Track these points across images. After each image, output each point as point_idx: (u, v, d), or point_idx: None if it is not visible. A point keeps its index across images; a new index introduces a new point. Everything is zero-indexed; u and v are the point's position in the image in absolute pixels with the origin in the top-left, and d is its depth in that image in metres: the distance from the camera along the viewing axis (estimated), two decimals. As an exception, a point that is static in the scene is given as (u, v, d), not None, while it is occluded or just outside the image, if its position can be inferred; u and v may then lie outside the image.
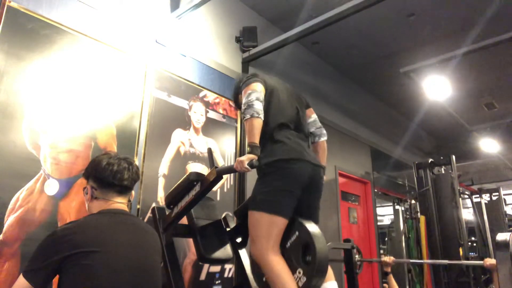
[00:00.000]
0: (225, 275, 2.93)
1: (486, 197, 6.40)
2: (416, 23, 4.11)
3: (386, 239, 6.73)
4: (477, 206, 5.76)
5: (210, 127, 3.11)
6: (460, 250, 4.38)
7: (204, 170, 2.90)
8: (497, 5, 3.65)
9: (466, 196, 5.76)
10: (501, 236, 1.92)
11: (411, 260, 4.66)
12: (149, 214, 2.51)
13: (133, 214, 2.19)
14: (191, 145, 2.93)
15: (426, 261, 4.33)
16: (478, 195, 6.22)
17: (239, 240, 2.24)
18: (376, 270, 4.86)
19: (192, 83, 3.07)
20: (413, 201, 5.23)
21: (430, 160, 5.00)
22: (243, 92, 1.91)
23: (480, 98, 5.79)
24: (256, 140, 1.79)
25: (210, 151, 2.10)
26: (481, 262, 2.68)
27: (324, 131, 2.27)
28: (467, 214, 6.03)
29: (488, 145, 7.12)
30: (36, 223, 1.99)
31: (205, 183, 1.91)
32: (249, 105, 1.82)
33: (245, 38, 3.59)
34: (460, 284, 4.31)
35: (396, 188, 6.67)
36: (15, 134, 2.00)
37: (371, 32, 4.26)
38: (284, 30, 3.54)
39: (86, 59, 2.39)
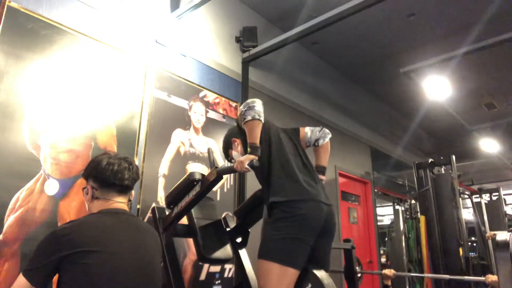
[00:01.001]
0: (225, 275, 2.93)
1: (486, 197, 6.42)
2: (416, 23, 4.11)
3: (386, 239, 6.73)
4: (477, 206, 5.75)
5: (210, 127, 3.11)
6: (460, 250, 4.38)
7: (204, 170, 2.90)
8: (497, 5, 3.65)
9: (466, 196, 5.76)
10: (501, 236, 1.92)
11: (412, 274, 4.63)
12: (149, 214, 2.51)
13: (134, 214, 2.18)
14: (191, 145, 2.93)
15: (427, 275, 4.29)
16: (478, 195, 6.23)
17: (239, 240, 2.24)
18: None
19: (192, 83, 3.07)
20: (413, 201, 5.24)
21: (430, 160, 4.99)
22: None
23: (480, 98, 5.79)
24: (257, 141, 1.77)
25: (210, 151, 2.10)
26: (483, 278, 2.66)
27: (326, 130, 2.20)
28: (467, 214, 6.03)
29: (488, 145, 7.13)
30: (36, 223, 1.99)
31: (205, 183, 1.91)
32: (250, 107, 1.79)
33: (245, 38, 3.59)
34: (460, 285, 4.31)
35: (396, 188, 6.67)
36: (15, 134, 2.00)
37: (371, 32, 4.26)
38: (284, 30, 3.55)
39: (86, 59, 2.39)
